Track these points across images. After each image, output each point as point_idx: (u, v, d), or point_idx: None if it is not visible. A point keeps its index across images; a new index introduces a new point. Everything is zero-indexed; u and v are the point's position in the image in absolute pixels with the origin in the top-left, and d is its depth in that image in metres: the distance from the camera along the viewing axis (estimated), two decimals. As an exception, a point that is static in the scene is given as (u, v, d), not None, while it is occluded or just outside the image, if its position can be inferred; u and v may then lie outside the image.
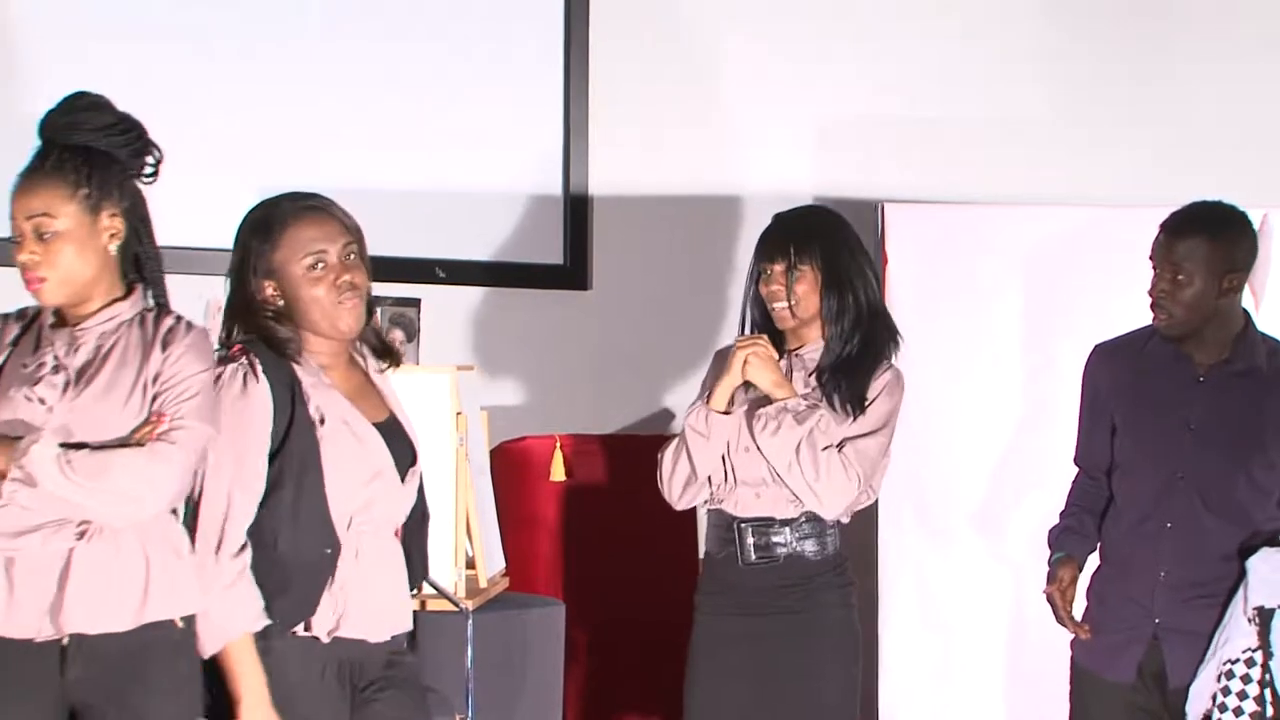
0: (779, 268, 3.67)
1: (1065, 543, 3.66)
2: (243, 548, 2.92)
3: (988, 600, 4.68)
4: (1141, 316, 3.60)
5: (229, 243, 3.08)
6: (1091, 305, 4.59)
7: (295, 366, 2.99)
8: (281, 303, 3.01)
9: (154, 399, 2.97)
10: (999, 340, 4.80)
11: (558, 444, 4.97)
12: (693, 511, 3.81)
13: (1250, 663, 3.40)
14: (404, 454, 3.08)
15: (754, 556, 3.66)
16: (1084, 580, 3.70)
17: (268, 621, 2.91)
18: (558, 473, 4.97)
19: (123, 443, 2.94)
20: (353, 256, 3.03)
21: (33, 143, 3.59)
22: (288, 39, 4.97)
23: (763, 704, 3.66)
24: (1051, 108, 5.67)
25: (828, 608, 3.65)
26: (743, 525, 3.67)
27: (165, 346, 2.99)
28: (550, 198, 5.32)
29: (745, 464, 3.68)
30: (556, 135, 5.30)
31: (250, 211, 3.08)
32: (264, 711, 2.89)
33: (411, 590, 3.15)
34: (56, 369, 2.93)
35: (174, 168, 4.53)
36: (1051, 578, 3.61)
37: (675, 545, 4.41)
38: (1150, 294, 3.50)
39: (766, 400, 3.67)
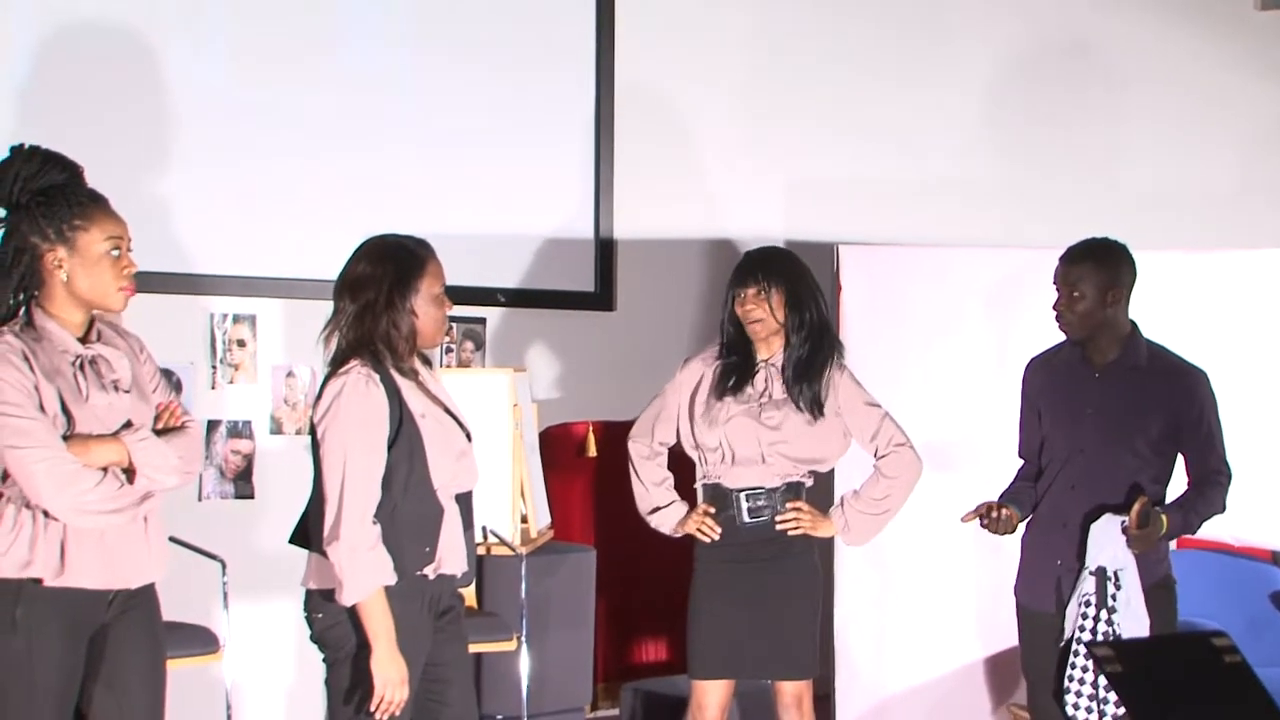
0: (752, 291, 3.87)
1: (1008, 498, 3.87)
2: (375, 519, 3.03)
3: (917, 545, 4.97)
4: (1050, 341, 3.88)
5: (333, 274, 3.21)
6: (1017, 331, 4.76)
7: (393, 372, 3.09)
8: (416, 318, 3.13)
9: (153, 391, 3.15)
10: (935, 360, 5.02)
11: (590, 428, 5.42)
12: (693, 478, 4.01)
13: (1087, 604, 3.62)
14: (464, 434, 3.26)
15: (748, 518, 3.91)
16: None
17: (396, 579, 3.04)
18: (590, 450, 5.42)
19: (167, 428, 3.09)
20: None
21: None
22: (390, 114, 5.29)
23: (753, 627, 3.92)
24: (983, 166, 6.06)
25: (799, 553, 3.95)
26: (738, 494, 3.91)
27: (139, 352, 3.16)
28: (584, 240, 5.64)
29: (743, 445, 3.88)
30: (589, 194, 5.64)
31: (382, 249, 3.13)
32: (393, 652, 3.02)
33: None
34: (112, 377, 3.03)
35: (307, 219, 5.10)
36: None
37: (680, 505, 4.25)
38: (1054, 308, 3.76)
39: (765, 401, 3.86)
